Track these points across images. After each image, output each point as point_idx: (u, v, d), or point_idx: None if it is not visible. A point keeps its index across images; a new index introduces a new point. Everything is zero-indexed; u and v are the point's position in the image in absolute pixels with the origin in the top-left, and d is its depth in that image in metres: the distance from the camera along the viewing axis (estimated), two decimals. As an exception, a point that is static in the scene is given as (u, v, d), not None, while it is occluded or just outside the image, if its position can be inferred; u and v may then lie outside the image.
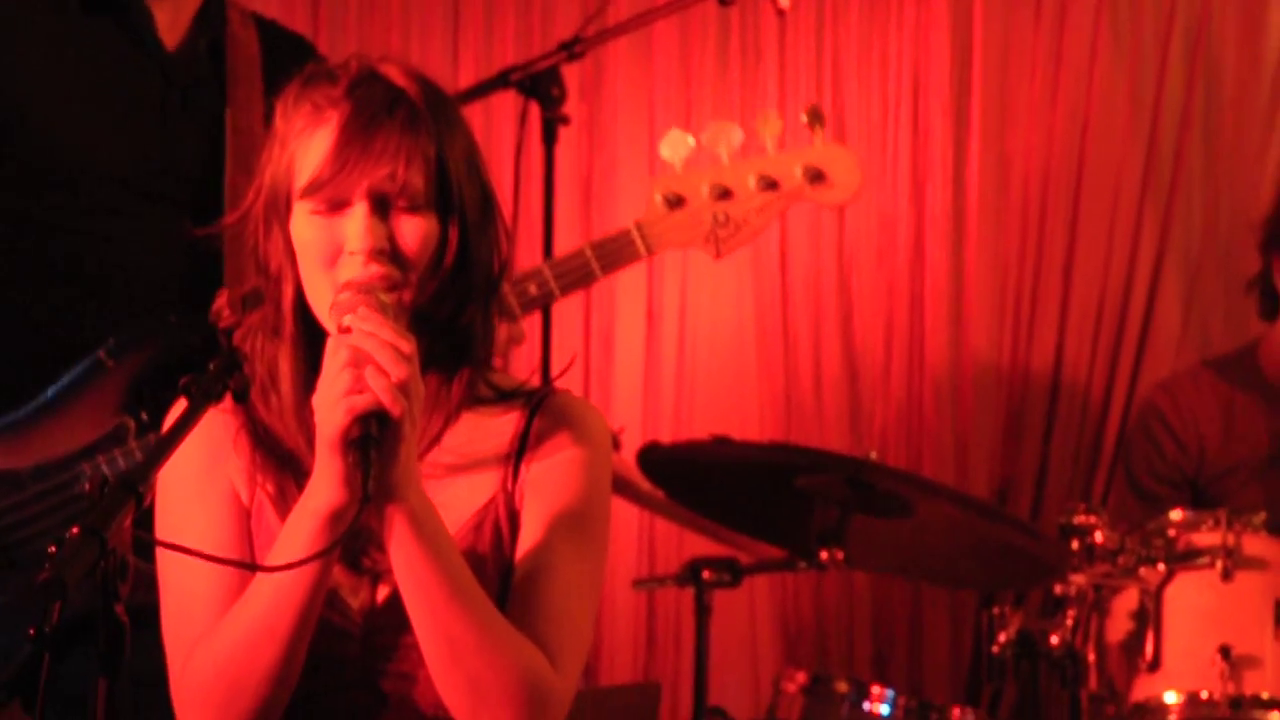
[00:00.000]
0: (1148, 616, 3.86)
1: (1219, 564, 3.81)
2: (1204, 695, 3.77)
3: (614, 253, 3.18)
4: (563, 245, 3.38)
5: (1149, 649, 3.84)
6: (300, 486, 2.16)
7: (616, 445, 3.81)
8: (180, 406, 2.10)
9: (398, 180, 2.18)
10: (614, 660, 4.93)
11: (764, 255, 4.98)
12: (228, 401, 2.13)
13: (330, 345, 2.12)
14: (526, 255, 4.28)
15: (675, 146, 3.12)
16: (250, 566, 2.19)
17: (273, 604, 2.12)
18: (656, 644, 4.93)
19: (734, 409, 4.94)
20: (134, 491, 1.92)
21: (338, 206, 2.19)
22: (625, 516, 4.75)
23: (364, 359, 2.08)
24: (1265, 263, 4.49)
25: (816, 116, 3.20)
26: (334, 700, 2.23)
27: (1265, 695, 3.77)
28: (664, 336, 4.97)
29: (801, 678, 3.87)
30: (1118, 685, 3.94)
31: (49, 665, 1.87)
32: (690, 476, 4.02)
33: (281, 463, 2.26)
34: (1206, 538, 3.85)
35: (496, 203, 2.31)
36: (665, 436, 4.64)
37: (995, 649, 3.82)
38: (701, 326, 4.99)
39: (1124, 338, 4.96)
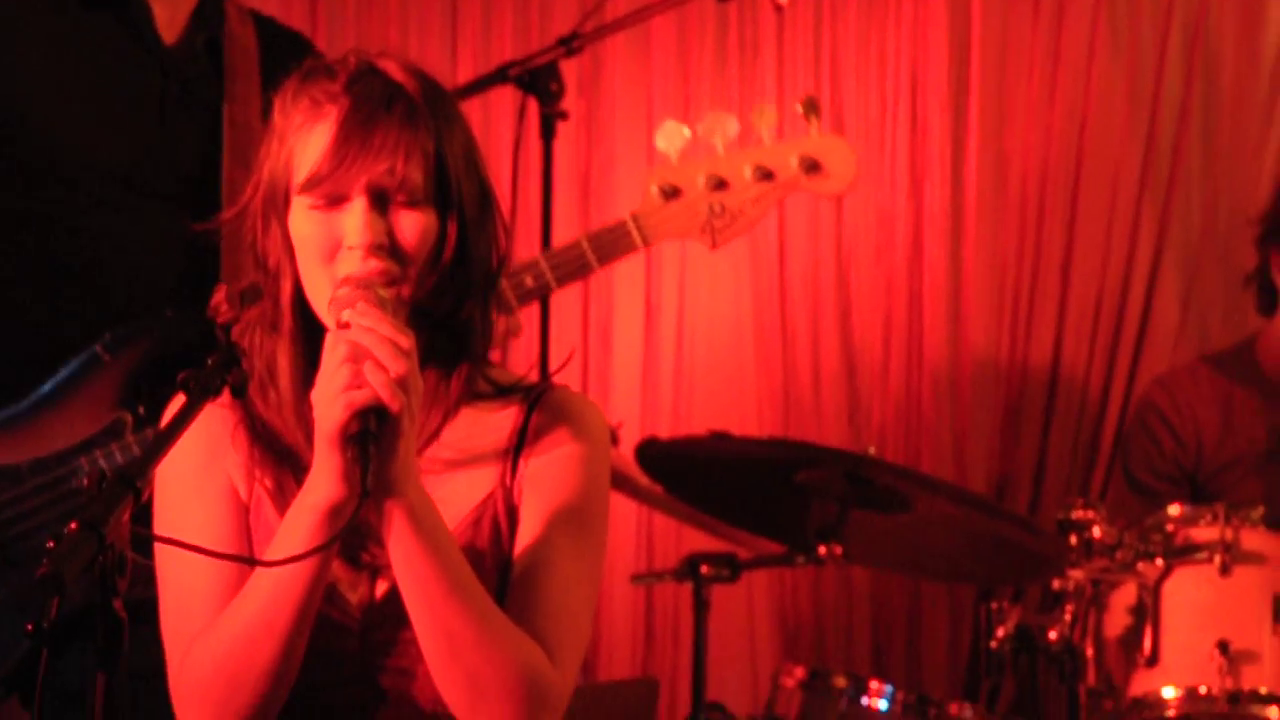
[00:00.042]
0: (1146, 611, 3.86)
1: (1217, 559, 3.81)
2: (1202, 690, 3.77)
3: (610, 244, 3.18)
4: (561, 240, 3.37)
5: (1147, 644, 3.84)
6: (299, 482, 2.16)
7: (615, 440, 3.81)
8: (178, 401, 2.09)
9: (396, 175, 2.18)
10: (612, 655, 4.93)
11: (762, 251, 4.98)
12: (226, 397, 2.13)
13: (329, 340, 2.12)
14: (525, 250, 4.26)
15: (671, 137, 3.12)
16: (249, 561, 2.19)
17: (271, 599, 2.12)
18: (655, 639, 4.93)
19: (732, 404, 4.94)
20: (132, 486, 1.92)
21: (336, 201, 2.19)
22: (623, 511, 4.75)
23: (363, 354, 2.08)
24: (1263, 258, 4.49)
25: (812, 107, 3.20)
26: (332, 695, 2.23)
27: (1263, 690, 3.76)
28: (662, 332, 4.97)
29: (800, 673, 3.87)
30: (1116, 680, 3.94)
31: (47, 661, 1.86)
32: (688, 471, 4.02)
33: (280, 458, 2.26)
34: (1205, 532, 3.85)
35: (495, 198, 2.31)
36: (663, 431, 4.64)
37: (993, 644, 3.82)
38: (700, 322, 4.99)
39: (1122, 334, 4.96)
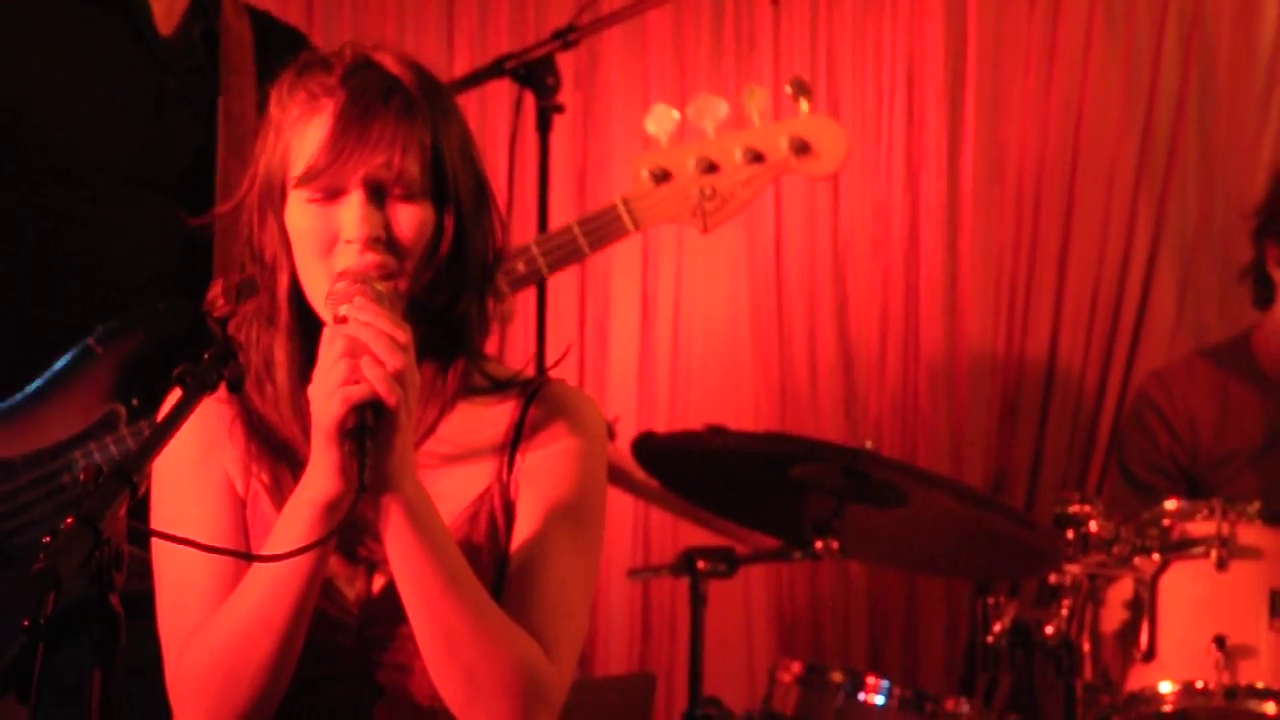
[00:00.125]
0: (1143, 606, 3.85)
1: (1214, 553, 3.81)
2: (1199, 685, 3.77)
3: (601, 229, 3.17)
4: (557, 234, 3.38)
5: (1144, 639, 3.84)
6: (296, 476, 2.16)
7: (611, 435, 3.81)
8: (175, 396, 2.09)
9: (393, 168, 2.17)
10: (609, 650, 4.93)
11: (758, 245, 4.98)
12: (222, 391, 2.13)
13: (326, 335, 2.12)
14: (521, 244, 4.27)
15: (661, 121, 3.11)
16: (246, 556, 2.18)
17: (268, 594, 2.12)
18: (651, 634, 4.93)
19: (729, 398, 4.94)
20: (129, 481, 1.91)
21: (333, 195, 2.19)
22: (620, 506, 4.75)
23: (360, 349, 2.07)
24: (1258, 251, 4.49)
25: (801, 88, 3.19)
26: (330, 691, 2.23)
27: (1260, 685, 3.76)
28: (659, 326, 4.97)
29: (797, 668, 3.87)
30: (1113, 675, 3.94)
31: (44, 656, 1.86)
32: (685, 466, 4.02)
33: (277, 453, 2.25)
34: (1201, 527, 3.85)
35: (491, 191, 2.31)
36: (660, 426, 4.64)
37: (990, 639, 3.81)
38: (696, 316, 4.99)
39: (1119, 326, 4.96)
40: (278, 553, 2.08)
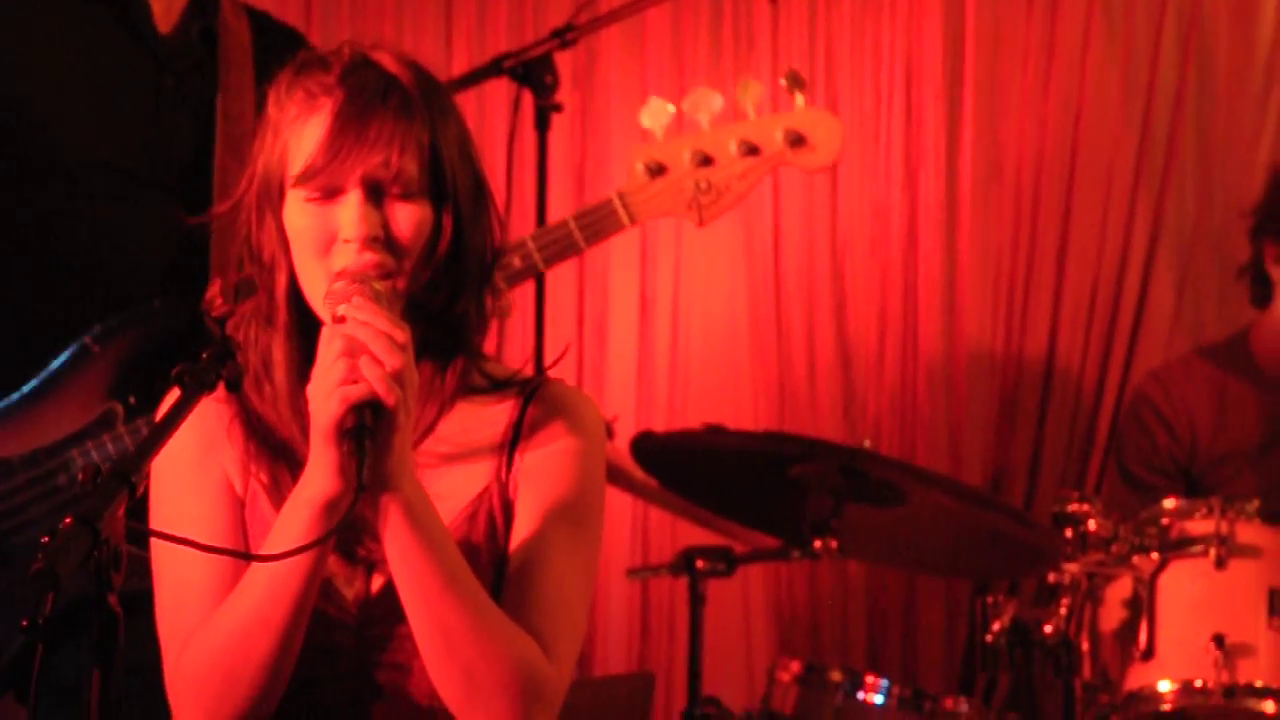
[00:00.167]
0: (1141, 605, 3.85)
1: (1213, 552, 3.81)
2: (1198, 684, 3.77)
3: (597, 223, 3.16)
4: (555, 233, 3.37)
5: (1143, 637, 3.84)
6: (294, 476, 2.16)
7: (610, 434, 3.81)
8: (173, 396, 2.09)
9: (391, 167, 2.17)
10: (608, 650, 4.93)
11: (757, 244, 4.98)
12: (221, 391, 2.13)
13: (325, 334, 2.11)
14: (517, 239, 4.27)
15: (656, 115, 3.10)
16: (245, 556, 2.18)
17: (267, 594, 2.11)
18: (650, 634, 4.93)
19: (727, 398, 4.94)
20: (127, 481, 1.91)
21: (331, 194, 2.19)
22: (619, 505, 4.75)
23: (359, 348, 2.07)
24: (1256, 250, 4.49)
25: (796, 81, 3.18)
26: (328, 691, 2.23)
27: (1259, 684, 3.76)
28: (657, 325, 4.97)
29: (796, 667, 3.87)
30: (1112, 674, 3.93)
31: (42, 656, 1.86)
32: (684, 465, 4.02)
33: (275, 452, 2.25)
34: (1200, 526, 3.85)
35: (489, 190, 2.30)
36: (659, 425, 4.64)
37: (989, 638, 3.81)
38: (695, 315, 4.99)
39: (1117, 325, 4.96)
40: (276, 552, 2.08)
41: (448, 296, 2.24)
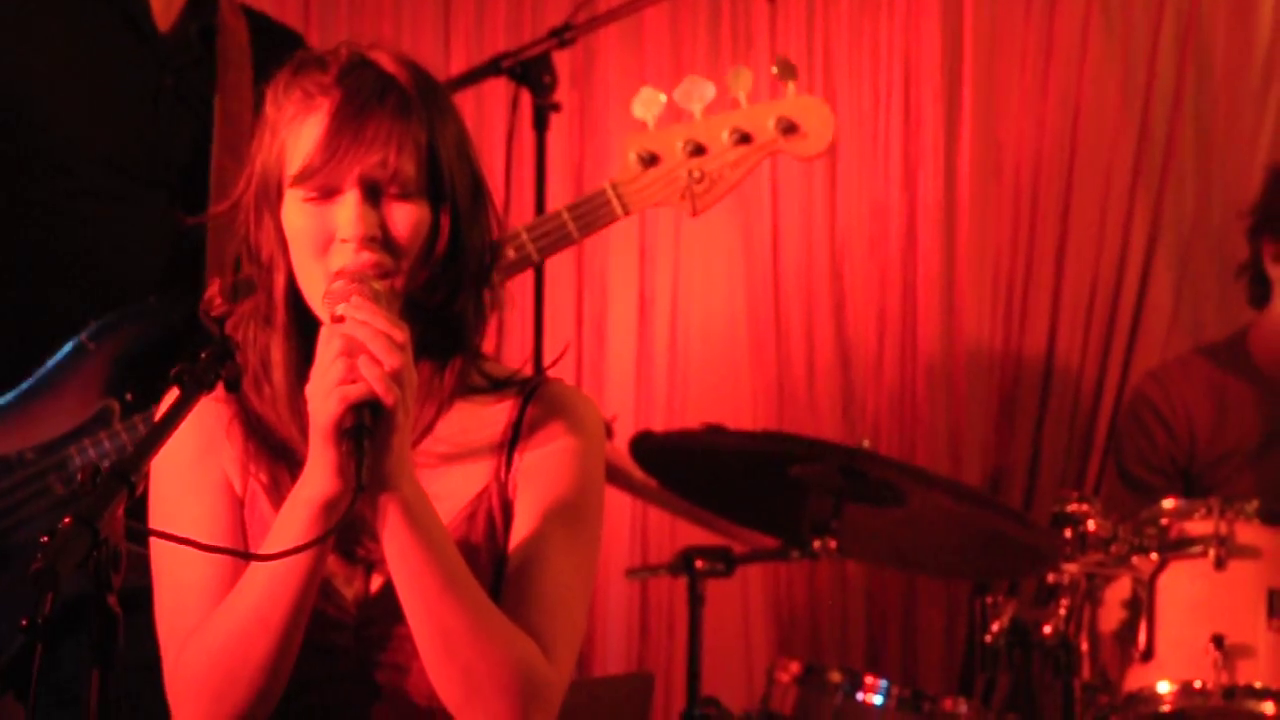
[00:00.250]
0: (1141, 606, 3.85)
1: (1212, 553, 3.81)
2: (1197, 685, 3.76)
3: (590, 213, 3.15)
4: (553, 233, 3.36)
5: (1142, 638, 3.84)
6: (293, 476, 2.15)
7: (609, 434, 3.81)
8: (172, 395, 2.08)
9: (389, 167, 2.17)
10: (607, 650, 4.93)
11: (756, 243, 4.98)
12: (220, 391, 2.12)
13: (323, 334, 2.11)
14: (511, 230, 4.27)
15: (648, 105, 3.09)
16: (244, 555, 2.18)
17: (267, 594, 2.11)
18: (649, 634, 4.93)
19: (727, 397, 4.93)
20: (126, 481, 1.91)
21: (329, 194, 2.19)
22: (618, 505, 4.75)
23: (357, 348, 2.07)
24: (1254, 250, 4.48)
25: (787, 68, 3.16)
26: (327, 691, 2.22)
27: (1258, 685, 3.76)
28: (656, 325, 4.97)
29: (795, 668, 3.87)
30: (1111, 674, 3.93)
31: (42, 655, 1.85)
32: (683, 465, 4.01)
33: (275, 452, 2.25)
34: (1199, 526, 3.85)
35: (488, 190, 2.30)
36: (658, 425, 4.63)
37: (988, 638, 3.81)
38: (694, 315, 4.99)
39: (1116, 324, 4.95)
40: (275, 552, 2.07)
41: (446, 296, 2.24)
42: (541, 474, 2.26)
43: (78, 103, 3.19)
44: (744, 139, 3.11)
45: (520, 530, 2.24)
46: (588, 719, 3.84)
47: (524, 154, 4.31)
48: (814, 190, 4.97)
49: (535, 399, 2.29)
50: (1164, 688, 3.79)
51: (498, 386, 2.30)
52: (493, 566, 2.23)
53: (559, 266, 4.77)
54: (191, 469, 2.26)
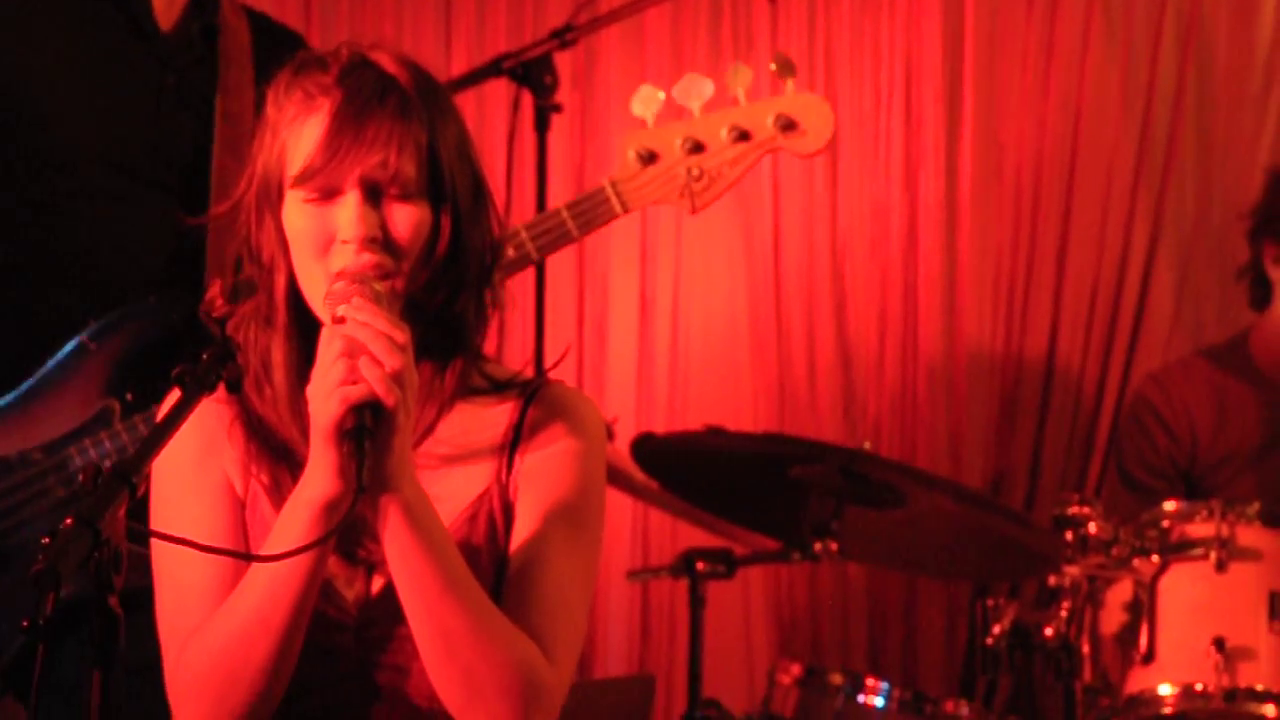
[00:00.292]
0: (1142, 608, 3.85)
1: (1213, 555, 3.81)
2: (1198, 687, 3.76)
3: (589, 211, 3.14)
4: (553, 234, 3.36)
5: (1143, 640, 3.84)
6: (295, 477, 2.15)
7: (610, 436, 3.80)
8: (174, 396, 2.08)
9: (389, 168, 2.17)
10: (608, 652, 4.93)
11: (757, 244, 4.97)
12: (221, 392, 2.12)
13: (324, 335, 2.11)
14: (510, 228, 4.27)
15: (647, 102, 3.08)
16: (245, 556, 2.18)
17: (267, 595, 2.11)
18: (651, 636, 4.92)
19: (727, 399, 4.93)
20: (128, 482, 1.90)
21: (330, 195, 2.18)
22: (619, 507, 4.74)
23: (358, 349, 2.07)
24: (1254, 251, 4.48)
25: (786, 65, 3.15)
26: (328, 692, 2.22)
27: (1259, 687, 3.76)
28: (657, 326, 4.96)
29: (796, 669, 3.87)
30: (1112, 677, 3.93)
31: (42, 657, 1.85)
32: (684, 467, 4.01)
33: (276, 453, 2.25)
34: (1200, 529, 3.85)
35: (489, 190, 2.30)
36: (659, 427, 4.63)
37: (990, 641, 3.80)
38: (695, 316, 4.99)
39: (1117, 325, 4.95)
40: (276, 553, 2.07)
41: (447, 297, 2.24)
42: (543, 476, 2.26)
43: (79, 102, 3.19)
44: (743, 136, 3.10)
45: (521, 532, 2.24)
46: (588, 721, 3.84)
47: (525, 155, 4.31)
48: (815, 191, 4.97)
49: (536, 400, 2.29)
50: (1165, 690, 3.79)
51: (499, 388, 2.30)
52: (494, 568, 2.23)
53: (560, 267, 4.77)
54: (193, 470, 2.25)
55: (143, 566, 2.18)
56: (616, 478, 4.09)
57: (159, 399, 2.36)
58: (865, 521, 3.82)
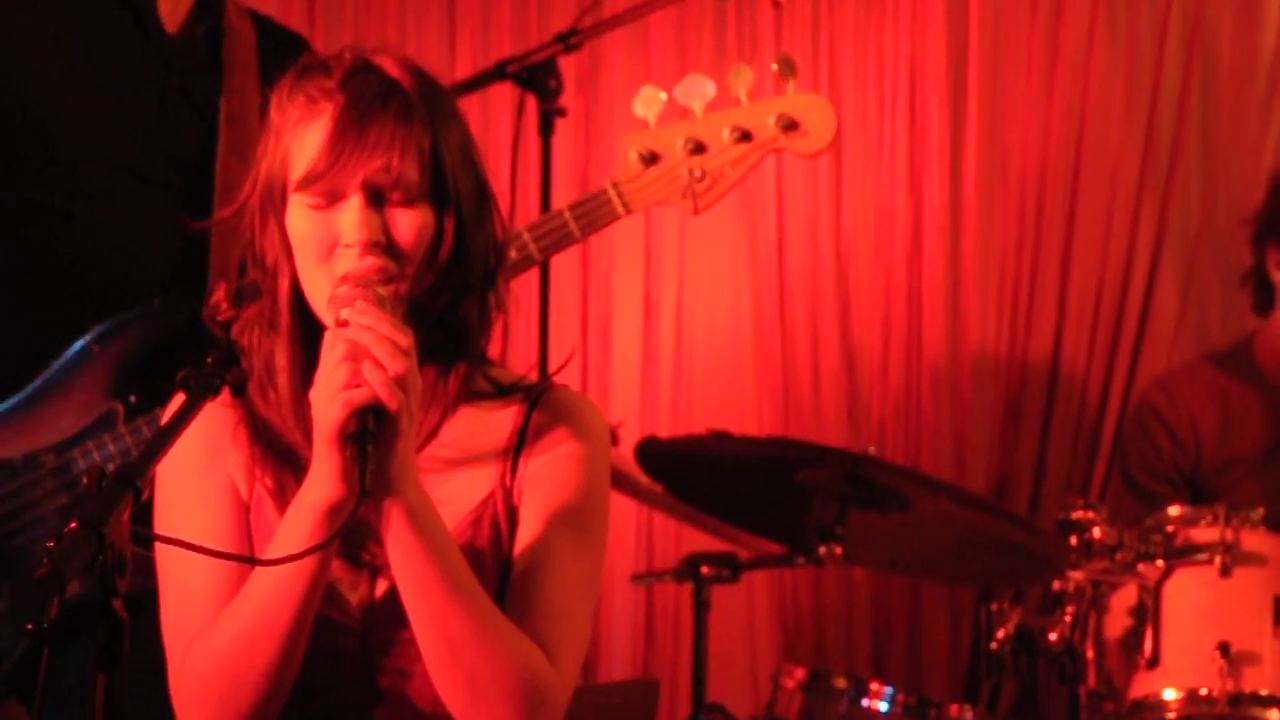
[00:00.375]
0: (1146, 613, 3.84)
1: (1218, 560, 3.80)
2: (1203, 692, 3.76)
3: (591, 212, 3.13)
4: (557, 237, 3.36)
5: (1148, 645, 3.83)
6: (299, 481, 2.15)
7: (614, 440, 3.80)
8: (178, 400, 2.08)
9: (392, 172, 2.17)
10: (612, 656, 4.92)
11: (761, 248, 4.97)
12: (226, 395, 2.12)
13: (327, 339, 2.11)
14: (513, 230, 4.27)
15: (649, 103, 3.07)
16: (248, 560, 2.17)
17: (271, 599, 2.11)
18: (655, 640, 4.92)
19: (732, 403, 4.93)
20: (132, 485, 1.90)
21: (333, 199, 2.18)
22: (623, 511, 4.74)
23: (361, 353, 2.07)
24: (1258, 256, 4.48)
25: (788, 66, 3.15)
26: (331, 695, 2.22)
27: (1264, 692, 3.75)
28: (661, 330, 4.96)
29: (800, 674, 3.87)
30: (1116, 682, 3.92)
31: (47, 660, 1.85)
32: (688, 471, 4.01)
33: (280, 457, 2.25)
34: (1205, 533, 3.84)
35: (492, 194, 2.30)
36: (663, 431, 4.63)
37: (994, 645, 3.81)
38: (699, 320, 4.98)
39: (1122, 330, 4.95)
40: (279, 557, 2.07)
41: (450, 301, 2.24)
42: (547, 479, 2.25)
43: (83, 102, 3.19)
44: (744, 137, 3.10)
45: (525, 536, 2.23)
46: (592, 725, 3.84)
47: (529, 159, 4.32)
48: (819, 194, 4.97)
49: (541, 404, 2.29)
50: (1170, 695, 3.79)
51: (503, 392, 2.30)
52: (497, 572, 2.23)
53: (564, 270, 4.77)
54: (197, 473, 2.26)
55: (147, 569, 2.18)
56: (621, 482, 4.08)
57: (163, 402, 2.36)
58: (869, 525, 3.82)
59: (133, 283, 3.16)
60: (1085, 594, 3.81)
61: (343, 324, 2.10)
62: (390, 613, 2.18)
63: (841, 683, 3.83)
